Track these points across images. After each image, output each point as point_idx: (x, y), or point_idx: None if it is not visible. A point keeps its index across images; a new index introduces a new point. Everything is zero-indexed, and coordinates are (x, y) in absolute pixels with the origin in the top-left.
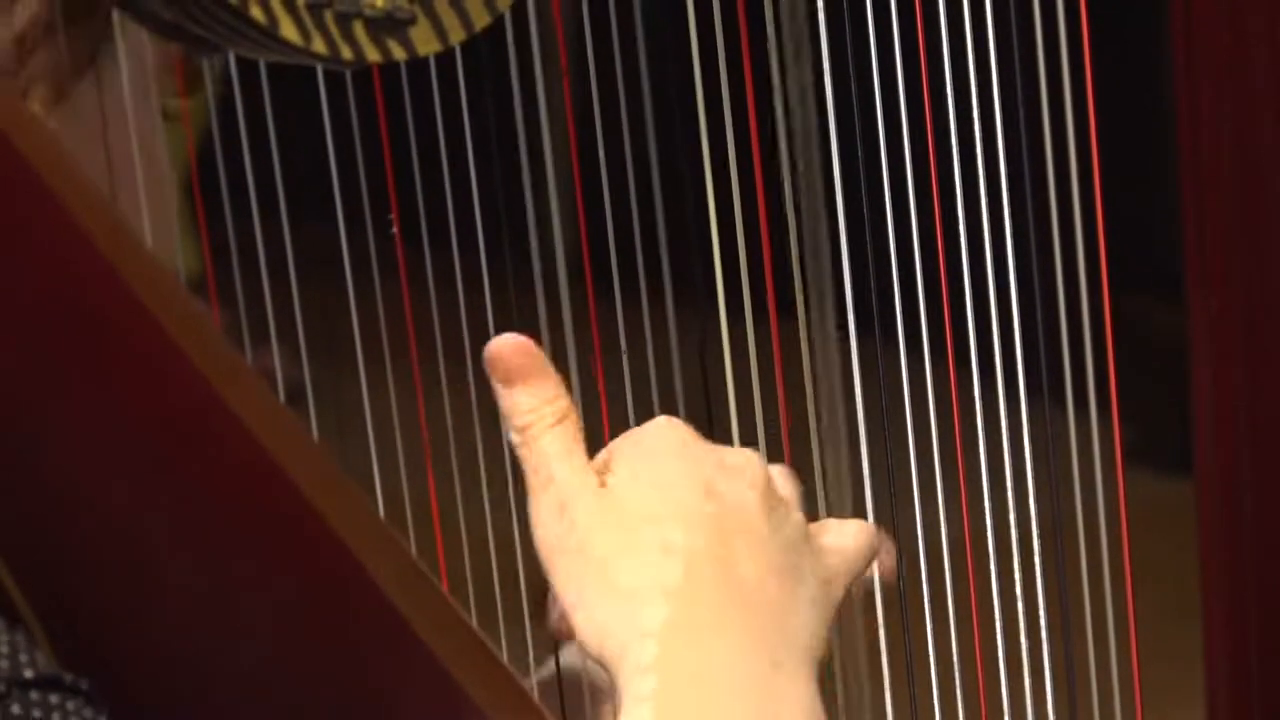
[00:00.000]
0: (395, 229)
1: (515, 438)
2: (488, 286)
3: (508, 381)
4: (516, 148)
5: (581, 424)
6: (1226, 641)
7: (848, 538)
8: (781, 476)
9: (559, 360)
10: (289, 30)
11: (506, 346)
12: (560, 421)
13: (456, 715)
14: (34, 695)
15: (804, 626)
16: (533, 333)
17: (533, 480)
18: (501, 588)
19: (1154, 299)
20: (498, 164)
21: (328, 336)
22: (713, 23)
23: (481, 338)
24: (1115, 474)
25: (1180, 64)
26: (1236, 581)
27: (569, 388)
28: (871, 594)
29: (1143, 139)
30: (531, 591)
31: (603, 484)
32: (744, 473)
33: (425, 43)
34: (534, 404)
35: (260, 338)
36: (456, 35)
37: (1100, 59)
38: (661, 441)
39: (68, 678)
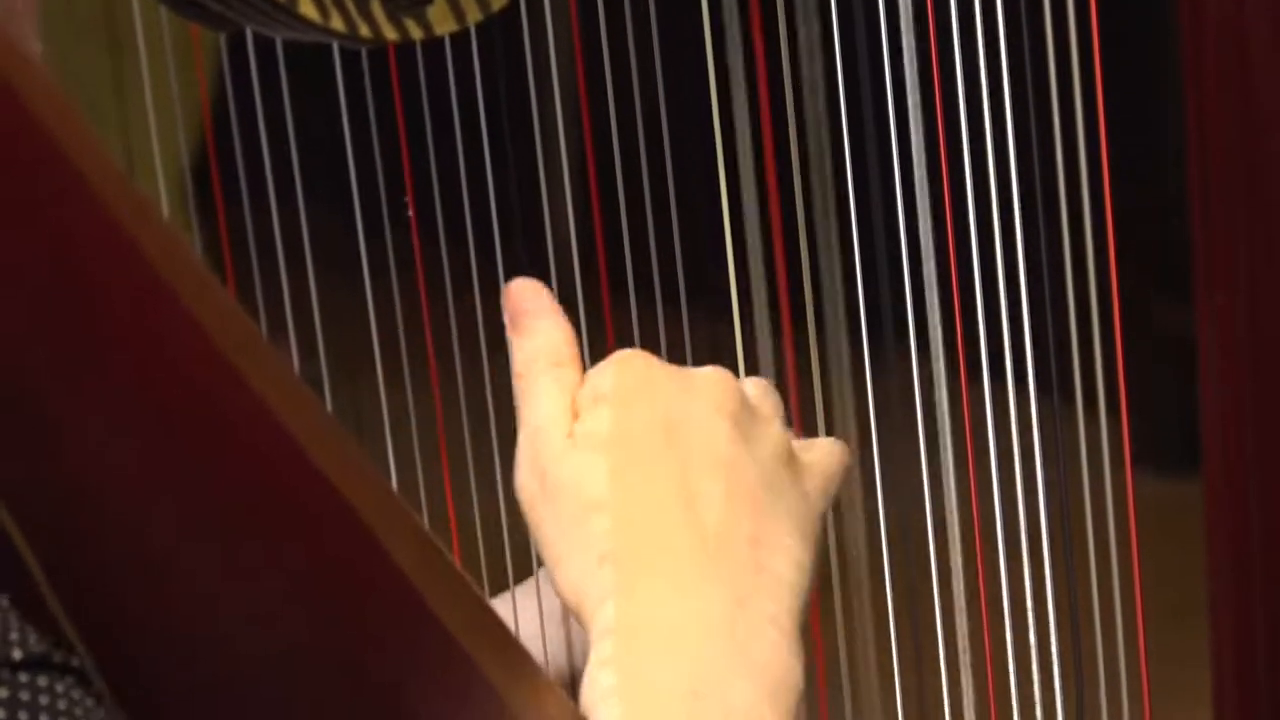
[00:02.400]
0: (411, 212)
1: (515, 384)
2: (503, 283)
3: (512, 324)
4: (531, 136)
5: (580, 373)
6: (1233, 640)
7: (822, 455)
8: (759, 390)
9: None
10: (308, 7)
11: (515, 288)
12: (555, 367)
13: (468, 688)
14: (23, 677)
15: (781, 553)
16: None
17: (520, 423)
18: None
19: (1160, 298)
20: (511, 154)
21: (343, 331)
22: (726, 21)
23: (497, 335)
24: (1124, 473)
25: (1189, 63)
26: (1243, 580)
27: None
28: (881, 589)
29: (1150, 138)
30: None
31: (570, 434)
32: (711, 397)
33: (442, 22)
34: (533, 347)
35: (277, 331)
36: (473, 15)
37: (1109, 60)
38: (627, 374)
39: (57, 656)
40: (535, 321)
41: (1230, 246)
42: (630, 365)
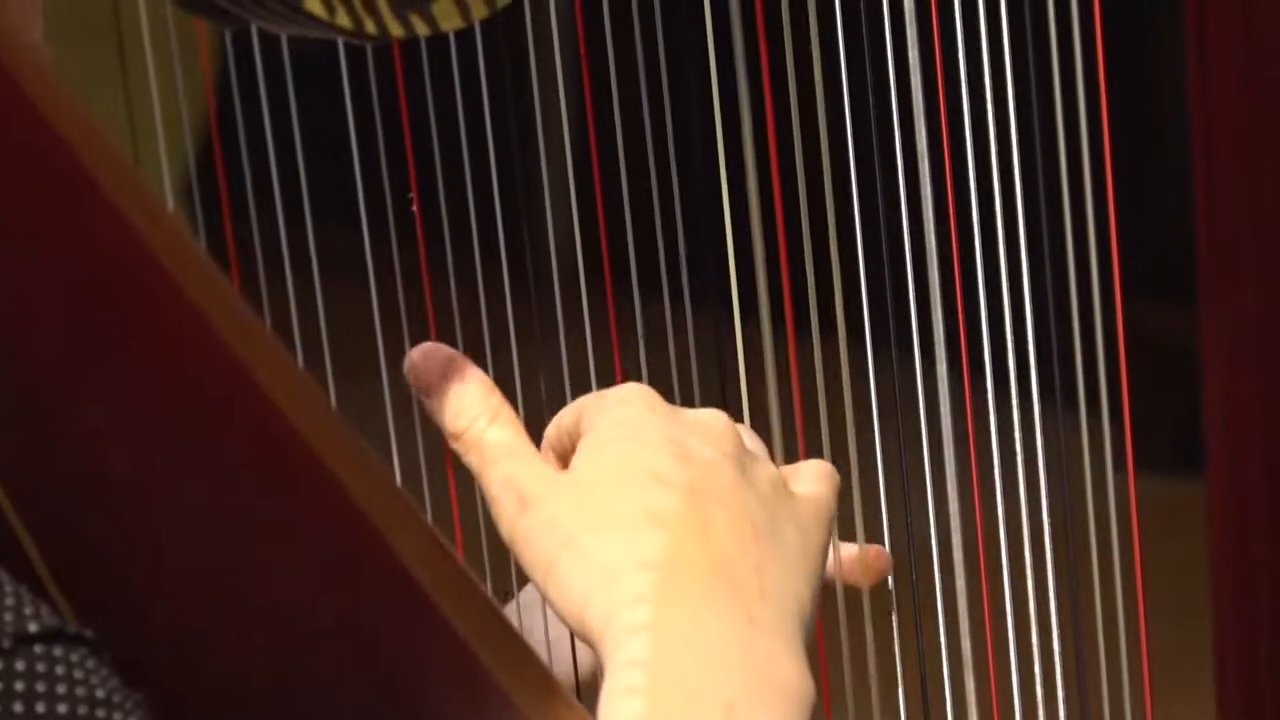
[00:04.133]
0: (415, 207)
1: (456, 446)
2: (508, 286)
3: (432, 390)
4: (534, 135)
5: (517, 416)
6: (1236, 642)
7: (813, 484)
8: (748, 433)
9: (578, 361)
10: (314, 4)
11: (421, 354)
12: (496, 418)
13: (474, 685)
14: (38, 649)
15: (782, 585)
16: (550, 334)
17: (485, 482)
18: (520, 590)
19: (1163, 301)
20: (516, 153)
21: (347, 332)
22: (732, 22)
23: (502, 339)
24: (1126, 475)
25: (1194, 67)
26: (1246, 582)
27: (589, 389)
28: (884, 592)
29: (1154, 141)
30: None
31: (562, 467)
32: (713, 433)
33: (448, 18)
34: (464, 407)
35: (281, 332)
36: (479, 11)
37: (1113, 63)
38: (628, 409)
39: (70, 628)
40: (449, 383)
41: (1235, 248)
42: (635, 392)
